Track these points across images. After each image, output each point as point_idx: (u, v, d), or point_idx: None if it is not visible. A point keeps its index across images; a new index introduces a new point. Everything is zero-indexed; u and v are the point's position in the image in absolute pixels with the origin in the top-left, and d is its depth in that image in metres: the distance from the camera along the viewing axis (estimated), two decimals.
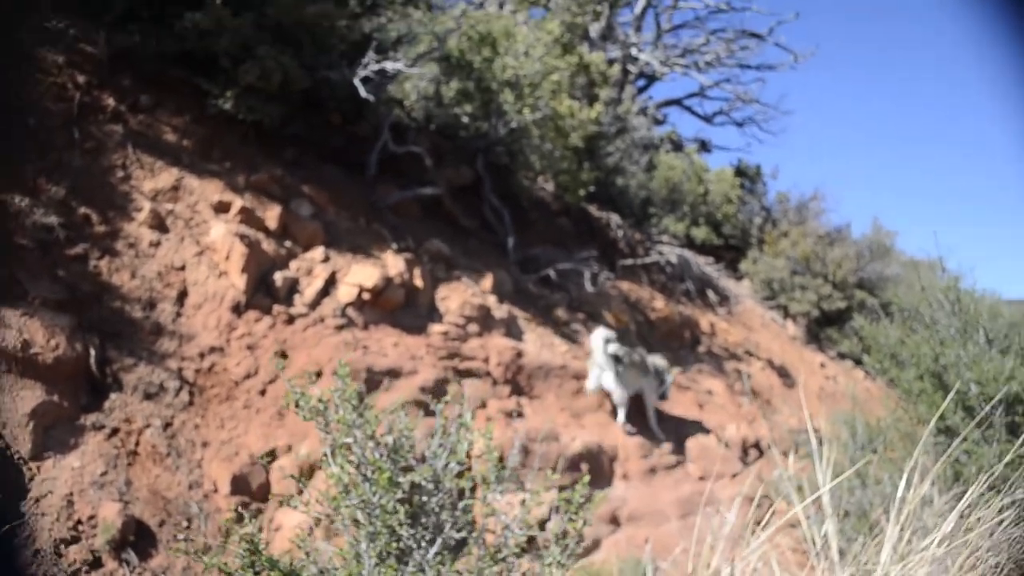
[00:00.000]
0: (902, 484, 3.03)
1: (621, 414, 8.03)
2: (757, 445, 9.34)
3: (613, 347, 7.84)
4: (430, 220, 8.58)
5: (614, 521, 7.09)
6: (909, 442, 7.39)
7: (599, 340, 7.90)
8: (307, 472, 5.30)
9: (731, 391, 10.55)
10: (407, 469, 2.70)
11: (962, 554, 2.74)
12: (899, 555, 2.91)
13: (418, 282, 7.33)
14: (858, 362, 12.84)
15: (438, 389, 6.47)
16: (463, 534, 2.77)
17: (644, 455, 7.84)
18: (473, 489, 2.90)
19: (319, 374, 5.73)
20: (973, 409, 6.25)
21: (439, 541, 2.66)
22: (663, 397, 8.85)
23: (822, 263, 13.36)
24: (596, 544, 6.69)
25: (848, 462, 7.87)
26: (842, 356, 13.23)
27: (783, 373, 11.83)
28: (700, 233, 13.79)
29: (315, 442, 5.34)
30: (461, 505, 2.75)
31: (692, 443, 8.51)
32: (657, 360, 9.16)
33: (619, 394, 7.93)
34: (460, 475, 2.77)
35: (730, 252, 14.34)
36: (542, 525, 6.07)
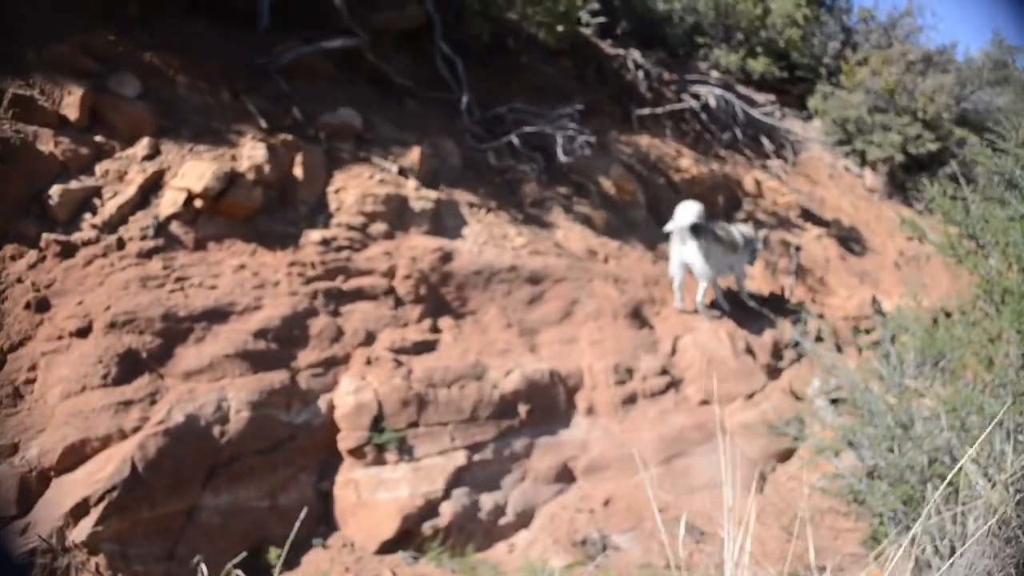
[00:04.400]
0: None
1: (700, 294, 6.89)
2: (797, 345, 7.33)
3: (690, 219, 6.75)
4: (347, 83, 6.62)
5: (564, 476, 5.41)
6: (984, 367, 5.44)
7: (680, 216, 6.78)
8: None
9: (771, 270, 8.43)
10: None
11: None
12: None
13: (297, 172, 5.52)
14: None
15: (289, 328, 4.79)
16: None
17: (620, 379, 6.02)
18: None
19: (83, 331, 4.12)
20: None
21: None
22: (751, 262, 7.56)
23: (910, 96, 10.59)
24: (526, 517, 5.05)
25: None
26: (932, 211, 10.67)
27: (850, 238, 9.52)
28: (758, 65, 11.17)
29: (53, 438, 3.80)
30: None
31: (695, 352, 6.60)
32: (743, 229, 7.44)
33: (703, 271, 6.80)
34: None
35: (798, 86, 11.67)
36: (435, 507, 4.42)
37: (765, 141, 10.27)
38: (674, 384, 6.33)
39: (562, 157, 6.88)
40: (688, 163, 8.84)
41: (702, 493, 5.79)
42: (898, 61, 10.98)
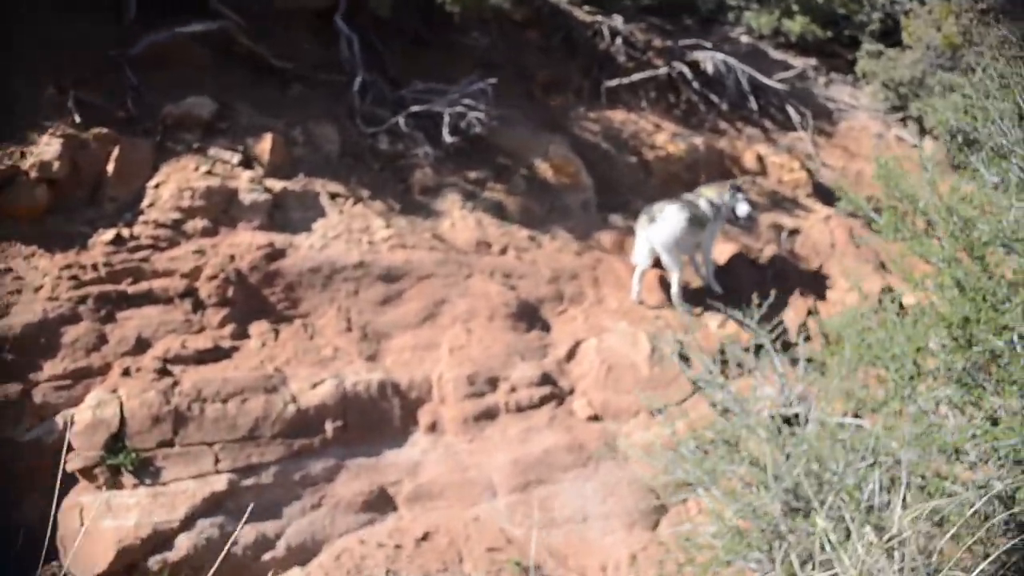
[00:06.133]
0: None
1: (675, 284, 6.31)
2: (757, 349, 6.23)
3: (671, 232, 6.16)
4: (221, 70, 6.18)
5: (378, 505, 4.73)
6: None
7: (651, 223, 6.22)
8: None
9: (753, 258, 7.26)
10: None
11: None
12: None
13: (109, 168, 5.14)
14: None
15: (34, 338, 4.40)
16: None
17: (476, 392, 5.24)
18: None
19: None
20: None
21: None
22: (750, 219, 6.80)
23: (977, 52, 8.82)
24: (305, 553, 4.42)
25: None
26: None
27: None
28: (795, 26, 9.74)
29: None
30: None
31: (595, 358, 5.68)
32: (709, 194, 6.65)
33: (671, 261, 6.25)
34: None
35: (850, 49, 10.10)
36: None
37: (792, 111, 8.92)
38: (557, 397, 5.46)
39: (447, 137, 6.11)
40: (664, 139, 7.77)
41: (565, 528, 4.95)
42: (967, 11, 9.22)
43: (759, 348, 5.94)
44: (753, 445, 4.26)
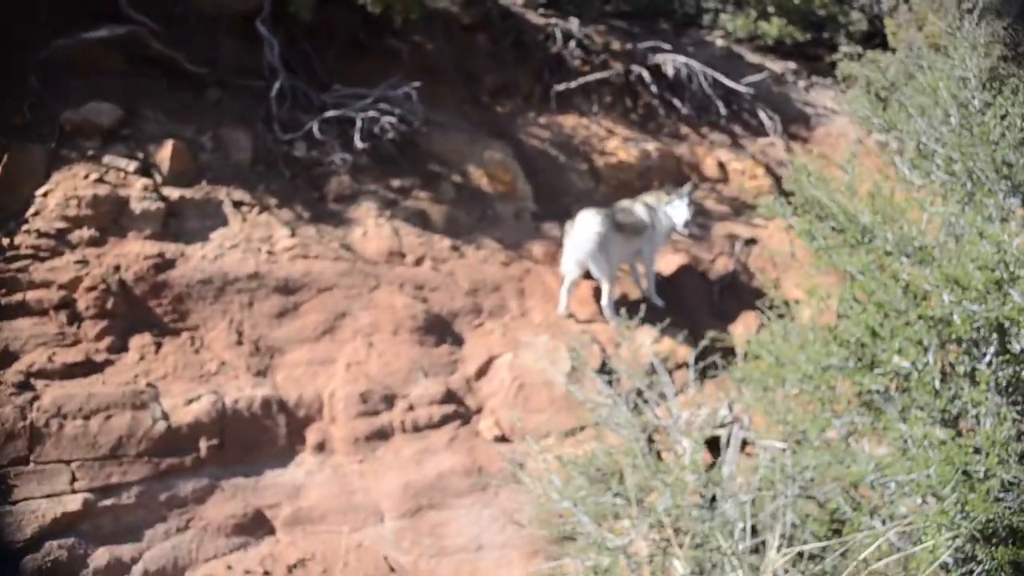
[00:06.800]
0: None
1: (605, 295, 6.03)
2: (686, 364, 5.91)
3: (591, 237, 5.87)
4: (133, 75, 6.02)
5: (253, 528, 4.49)
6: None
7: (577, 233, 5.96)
8: None
9: (703, 270, 6.92)
10: None
11: None
12: None
13: None
14: None
15: None
16: None
17: (370, 410, 4.98)
18: None
19: None
20: None
21: None
22: (687, 226, 6.42)
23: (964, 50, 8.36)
24: (169, 572, 4.18)
25: None
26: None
27: None
28: (771, 28, 9.36)
29: None
30: None
31: (507, 375, 5.40)
32: (649, 200, 6.39)
33: (603, 271, 5.97)
34: None
35: (835, 52, 9.68)
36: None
37: (764, 116, 8.54)
38: (462, 416, 5.19)
39: (358, 143, 5.87)
40: (616, 145, 7.46)
41: (456, 558, 4.67)
42: (950, 9, 8.77)
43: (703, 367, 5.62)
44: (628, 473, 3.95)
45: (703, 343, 5.11)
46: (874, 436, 4.37)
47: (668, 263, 6.86)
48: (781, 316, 5.09)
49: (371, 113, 5.91)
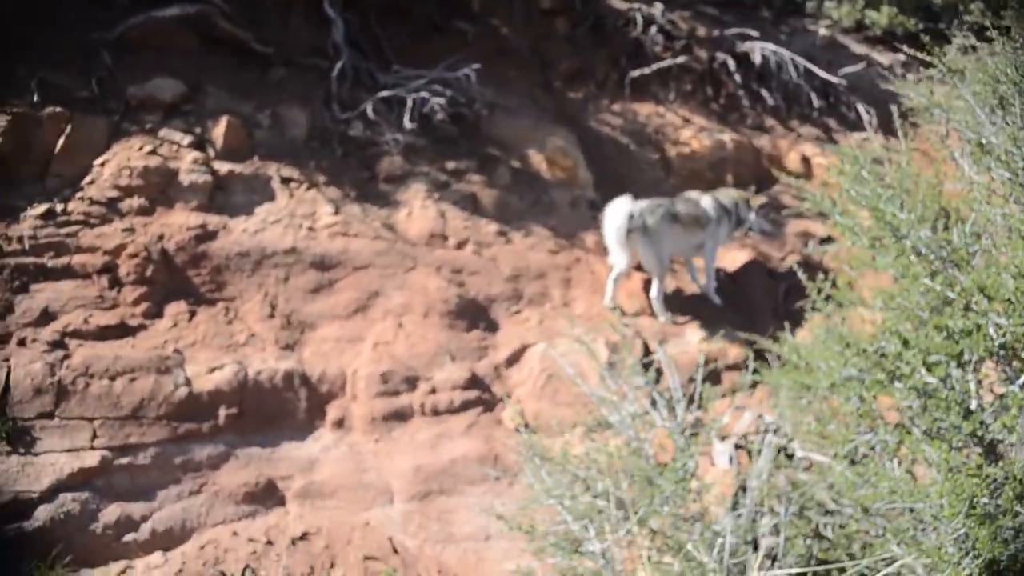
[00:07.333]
0: None
1: (655, 289, 5.83)
2: (739, 366, 5.64)
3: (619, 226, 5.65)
4: (203, 53, 6.22)
5: (264, 498, 4.56)
6: None
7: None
8: None
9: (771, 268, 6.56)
10: None
11: None
12: None
13: (57, 143, 5.27)
14: None
15: None
16: None
17: (391, 390, 4.98)
18: None
19: None
20: None
21: None
22: (764, 231, 6.41)
23: None
24: (172, 539, 4.29)
25: None
26: None
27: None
28: (881, 18, 8.75)
29: None
30: None
31: (537, 365, 5.28)
32: (722, 196, 6.21)
33: (650, 263, 5.79)
34: None
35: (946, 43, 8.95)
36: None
37: (862, 109, 8.00)
38: (486, 403, 5.11)
39: (407, 123, 5.84)
40: (690, 135, 7.15)
41: (463, 546, 4.61)
42: None
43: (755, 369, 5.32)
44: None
45: (755, 345, 4.82)
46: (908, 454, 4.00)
47: (733, 259, 6.53)
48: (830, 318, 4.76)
49: (423, 94, 5.86)
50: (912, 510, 3.52)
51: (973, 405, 3.50)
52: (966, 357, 3.46)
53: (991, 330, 3.33)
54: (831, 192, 4.61)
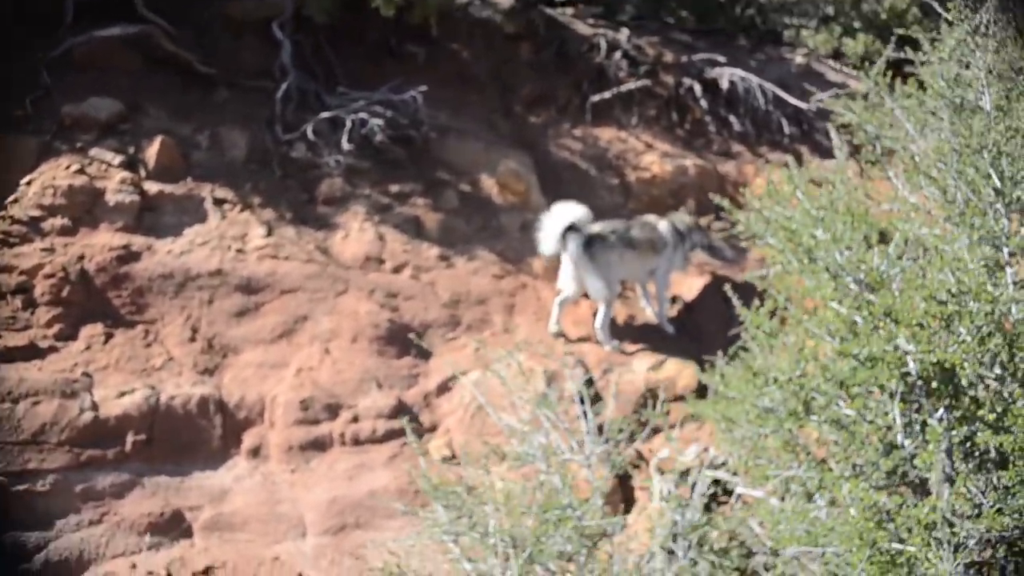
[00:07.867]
0: None
1: (600, 316, 5.57)
2: (685, 397, 5.38)
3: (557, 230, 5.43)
4: (146, 74, 6.14)
5: (170, 529, 4.37)
6: None
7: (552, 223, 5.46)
8: None
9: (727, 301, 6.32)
10: None
11: None
12: None
13: None
14: None
15: None
16: None
17: (310, 419, 4.78)
18: None
19: None
20: None
21: None
22: (723, 257, 6.17)
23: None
24: (65, 571, 4.10)
25: None
26: None
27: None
28: (856, 45, 8.58)
29: None
30: None
31: (468, 394, 5.06)
32: (677, 219, 6.04)
33: (595, 288, 5.51)
34: None
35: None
36: None
37: (834, 136, 7.78)
38: (413, 433, 4.87)
39: (345, 144, 5.71)
40: (652, 160, 6.98)
41: None
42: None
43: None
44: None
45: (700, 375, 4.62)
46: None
47: (690, 287, 6.32)
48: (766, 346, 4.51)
49: (362, 115, 5.73)
50: (824, 554, 3.29)
51: (899, 440, 3.27)
52: (892, 388, 3.23)
53: (908, 358, 3.12)
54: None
